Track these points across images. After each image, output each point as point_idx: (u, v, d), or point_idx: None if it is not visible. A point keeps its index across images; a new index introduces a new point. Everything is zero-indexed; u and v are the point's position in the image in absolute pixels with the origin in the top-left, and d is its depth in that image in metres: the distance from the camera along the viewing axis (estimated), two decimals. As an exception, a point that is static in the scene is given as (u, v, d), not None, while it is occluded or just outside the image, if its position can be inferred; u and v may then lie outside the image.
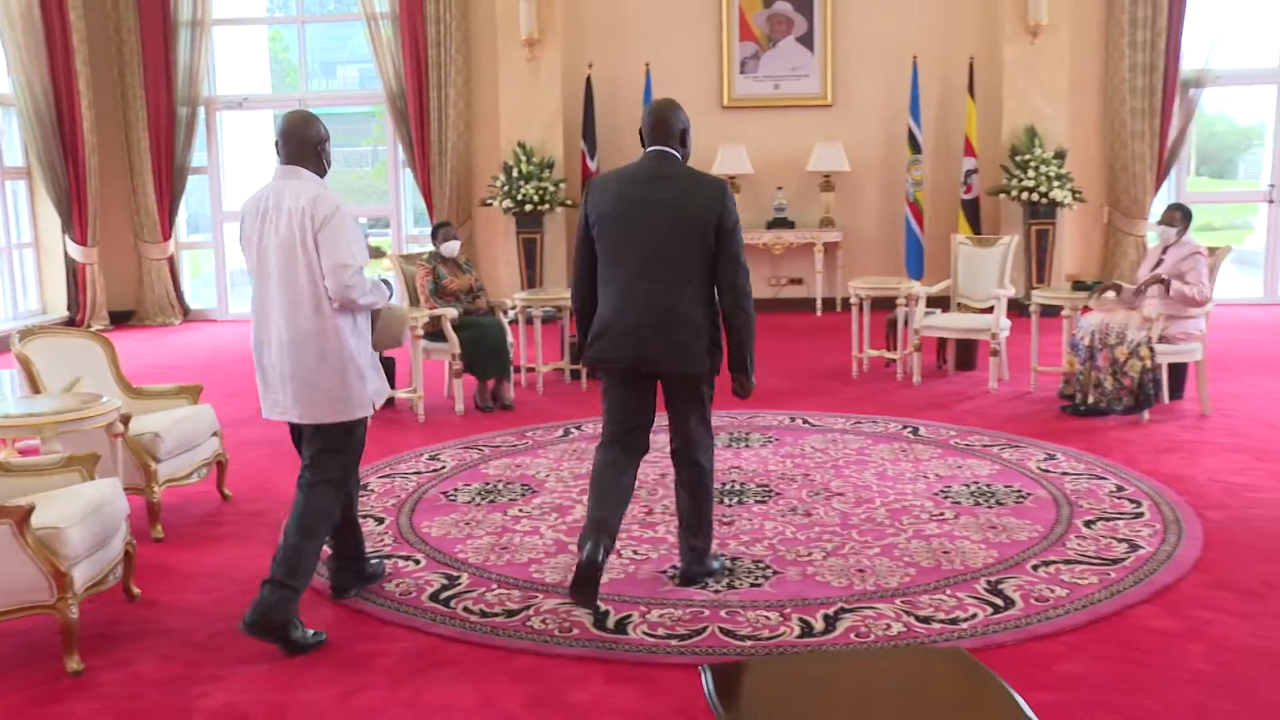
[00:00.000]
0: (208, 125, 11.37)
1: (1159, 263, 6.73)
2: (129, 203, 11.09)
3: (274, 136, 3.90)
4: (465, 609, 4.03)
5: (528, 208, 10.25)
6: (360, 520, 4.30)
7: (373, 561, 4.32)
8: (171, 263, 11.27)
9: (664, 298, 3.91)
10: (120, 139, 11.01)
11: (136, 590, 4.22)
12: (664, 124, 4.01)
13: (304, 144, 3.86)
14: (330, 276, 3.73)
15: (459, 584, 4.26)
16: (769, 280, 10.95)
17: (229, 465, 5.59)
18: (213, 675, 3.61)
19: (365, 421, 3.98)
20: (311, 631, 3.81)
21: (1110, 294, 7.00)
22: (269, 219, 3.80)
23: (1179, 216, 6.76)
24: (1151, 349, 6.39)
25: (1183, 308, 6.53)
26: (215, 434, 5.44)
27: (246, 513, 5.28)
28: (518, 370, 7.65)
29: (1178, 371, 6.86)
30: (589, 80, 10.57)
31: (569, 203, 10.53)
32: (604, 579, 3.98)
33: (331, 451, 3.90)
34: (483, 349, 7.06)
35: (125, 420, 4.75)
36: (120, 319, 11.22)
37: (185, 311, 11.46)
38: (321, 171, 3.90)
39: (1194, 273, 6.50)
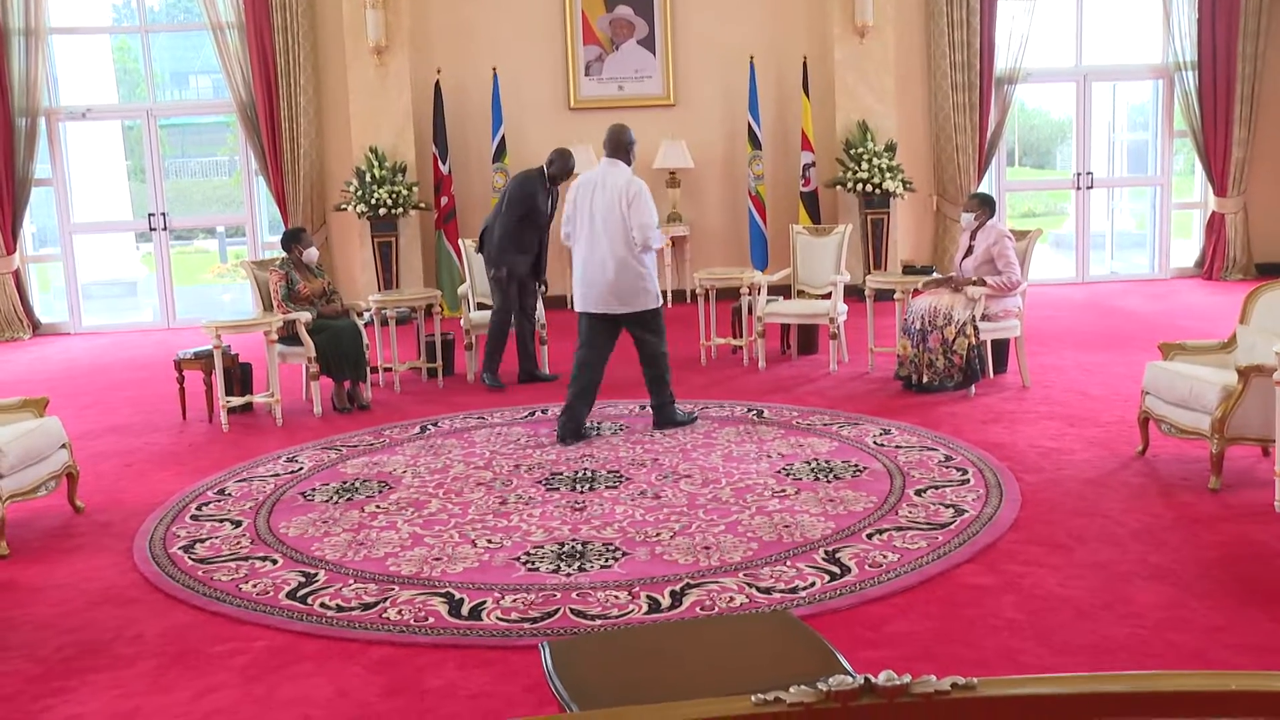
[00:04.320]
0: (50, 136, 10.89)
1: (970, 249, 7.13)
2: (-34, 217, 10.61)
3: (602, 138, 6.24)
4: (322, 605, 4.07)
5: (381, 211, 10.23)
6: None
7: (686, 410, 6.50)
8: (17, 276, 10.80)
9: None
10: (-47, 150, 10.51)
11: (-22, 609, 4.11)
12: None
13: (620, 145, 6.16)
14: (638, 231, 5.99)
15: (316, 581, 4.31)
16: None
17: (80, 477, 5.48)
18: (58, 688, 3.54)
19: (662, 308, 6.30)
20: (686, 411, 6.44)
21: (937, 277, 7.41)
22: (599, 190, 6.06)
23: (975, 204, 7.18)
24: (976, 327, 6.79)
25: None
26: (64, 446, 5.32)
27: (98, 523, 5.19)
28: (374, 370, 7.67)
29: (1000, 347, 7.27)
30: (438, 85, 10.58)
31: (422, 206, 10.56)
32: (458, 568, 4.34)
33: (653, 329, 6.21)
34: (338, 351, 7.07)
35: (-38, 437, 4.65)
36: (-38, 335, 10.73)
37: (35, 326, 10.99)
38: (629, 162, 6.16)
39: (1003, 258, 6.89)
